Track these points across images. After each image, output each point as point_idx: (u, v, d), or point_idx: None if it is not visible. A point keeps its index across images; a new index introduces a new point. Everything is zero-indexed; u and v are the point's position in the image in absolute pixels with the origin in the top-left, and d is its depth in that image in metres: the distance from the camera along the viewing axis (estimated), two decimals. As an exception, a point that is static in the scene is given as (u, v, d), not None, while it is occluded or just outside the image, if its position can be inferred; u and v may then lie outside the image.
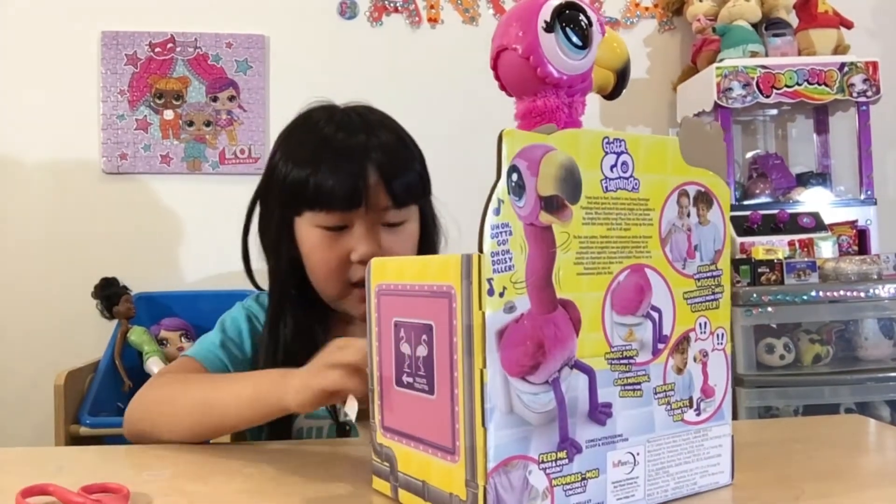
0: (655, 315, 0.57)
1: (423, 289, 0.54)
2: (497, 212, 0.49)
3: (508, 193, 0.49)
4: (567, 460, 0.52)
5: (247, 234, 0.99)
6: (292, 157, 0.91)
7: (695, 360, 0.60)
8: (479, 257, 0.49)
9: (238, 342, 0.96)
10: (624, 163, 0.55)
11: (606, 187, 0.54)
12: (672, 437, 0.59)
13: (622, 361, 0.55)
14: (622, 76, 0.62)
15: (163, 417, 0.83)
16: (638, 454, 0.57)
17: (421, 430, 0.56)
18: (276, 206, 0.94)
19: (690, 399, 0.60)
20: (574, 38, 0.57)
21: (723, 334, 0.62)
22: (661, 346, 0.58)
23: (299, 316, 0.94)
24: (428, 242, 0.97)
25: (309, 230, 0.91)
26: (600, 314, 0.54)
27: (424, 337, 0.54)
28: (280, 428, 0.88)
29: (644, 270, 0.57)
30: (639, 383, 0.56)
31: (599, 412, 0.54)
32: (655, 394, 0.57)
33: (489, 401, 0.49)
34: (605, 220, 0.54)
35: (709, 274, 0.61)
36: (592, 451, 0.54)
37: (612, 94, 0.62)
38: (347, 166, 0.87)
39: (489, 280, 0.49)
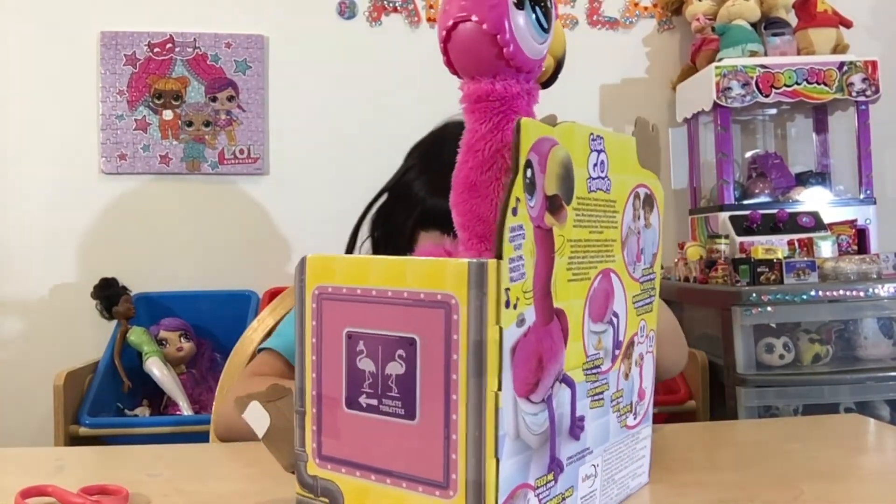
0: (615, 321, 0.55)
1: (402, 297, 0.47)
2: (515, 212, 0.43)
3: (524, 191, 0.44)
4: (554, 482, 0.49)
5: (356, 235, 1.02)
6: (436, 183, 0.93)
7: (635, 363, 0.58)
8: (499, 264, 0.43)
9: None
10: (602, 161, 0.52)
11: (590, 187, 0.51)
12: (618, 444, 0.57)
13: (593, 371, 0.53)
14: (560, 64, 0.58)
15: None
16: (598, 465, 0.54)
17: (388, 460, 0.48)
18: (407, 216, 0.96)
19: (631, 404, 0.58)
20: (542, 19, 0.51)
21: (653, 336, 0.62)
22: (616, 352, 0.55)
23: None
24: None
25: (432, 247, 0.93)
26: (581, 322, 0.51)
27: (402, 352, 0.47)
28: None
29: (610, 275, 0.54)
30: (601, 393, 0.54)
31: (576, 426, 0.51)
32: (611, 402, 0.55)
33: (502, 427, 0.43)
34: (588, 223, 0.51)
35: (649, 277, 0.60)
36: (570, 468, 0.51)
37: (548, 83, 0.58)
38: None
39: (506, 290, 0.43)
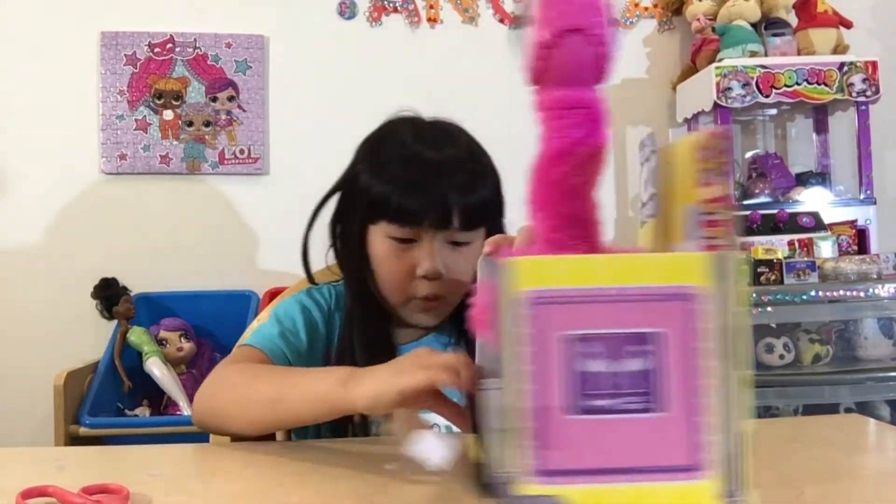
0: None
1: (637, 293, 0.48)
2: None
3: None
4: None
5: (309, 231, 1.03)
6: (377, 171, 0.96)
7: None
8: (735, 255, 0.48)
9: (294, 332, 0.98)
10: None
11: None
12: None
13: None
14: None
15: (234, 407, 0.85)
16: None
17: (625, 458, 0.48)
18: (356, 212, 0.98)
19: None
20: None
21: None
22: None
23: (371, 312, 0.99)
24: None
25: (381, 240, 0.95)
26: None
27: (638, 348, 0.48)
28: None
29: None
30: None
31: None
32: None
33: (747, 403, 0.47)
34: None
35: None
36: None
37: None
38: (425, 185, 0.92)
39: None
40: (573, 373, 0.48)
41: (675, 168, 0.62)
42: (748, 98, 2.28)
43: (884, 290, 1.96)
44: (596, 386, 0.48)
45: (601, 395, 0.48)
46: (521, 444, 0.48)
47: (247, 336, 1.00)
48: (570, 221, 0.55)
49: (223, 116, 2.48)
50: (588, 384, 0.48)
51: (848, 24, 2.43)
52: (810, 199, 2.39)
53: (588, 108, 0.54)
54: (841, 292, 1.95)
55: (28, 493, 0.60)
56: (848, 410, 1.98)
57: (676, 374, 0.48)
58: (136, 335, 2.17)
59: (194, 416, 0.89)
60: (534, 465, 0.48)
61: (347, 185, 1.01)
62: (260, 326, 1.00)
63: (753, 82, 2.28)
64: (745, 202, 2.41)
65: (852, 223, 2.27)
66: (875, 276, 2.00)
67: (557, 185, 0.55)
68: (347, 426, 0.92)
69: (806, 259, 2.02)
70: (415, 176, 0.93)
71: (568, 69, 0.54)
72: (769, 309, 1.95)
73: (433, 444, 0.54)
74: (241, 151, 2.48)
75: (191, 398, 2.11)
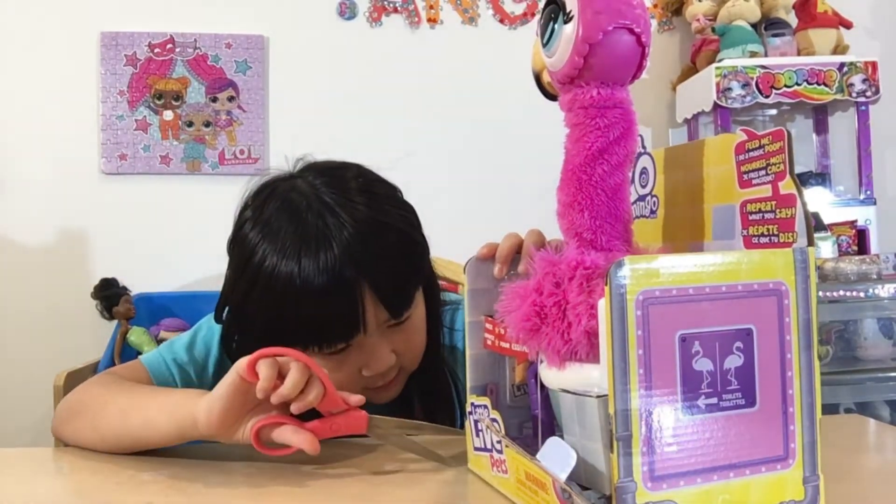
0: None
1: (737, 290, 0.48)
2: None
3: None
4: None
5: (220, 316, 0.86)
6: (270, 305, 0.77)
7: None
8: (812, 251, 0.50)
9: (201, 365, 0.90)
10: None
11: None
12: None
13: None
14: None
15: (82, 423, 0.78)
16: None
17: (730, 454, 0.48)
18: (260, 333, 0.78)
19: None
20: None
21: None
22: None
23: None
24: (432, 313, 0.87)
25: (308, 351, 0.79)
26: None
27: (739, 344, 0.48)
28: None
29: None
30: None
31: None
32: None
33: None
34: None
35: None
36: None
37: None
38: (335, 299, 0.74)
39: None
40: (686, 372, 0.47)
41: (691, 169, 0.61)
42: (748, 98, 2.28)
43: (884, 291, 1.96)
44: (706, 385, 0.48)
45: (709, 394, 0.48)
46: (638, 452, 0.46)
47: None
48: (613, 222, 0.55)
49: (223, 116, 2.48)
50: (700, 383, 0.48)
51: (848, 25, 2.43)
52: (810, 200, 2.38)
53: (623, 107, 0.55)
54: (841, 292, 1.95)
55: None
56: (848, 410, 1.98)
57: (769, 367, 0.49)
58: (136, 335, 2.17)
59: (52, 426, 0.82)
60: (648, 473, 0.47)
61: (236, 316, 0.83)
62: (172, 341, 0.92)
63: (753, 83, 2.28)
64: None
65: (852, 223, 2.27)
66: (875, 277, 2.00)
67: (600, 185, 0.54)
68: None
69: (806, 259, 2.02)
70: (318, 300, 0.74)
71: (612, 67, 0.53)
72: (769, 309, 1.94)
73: (558, 450, 0.52)
74: (241, 151, 2.48)
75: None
